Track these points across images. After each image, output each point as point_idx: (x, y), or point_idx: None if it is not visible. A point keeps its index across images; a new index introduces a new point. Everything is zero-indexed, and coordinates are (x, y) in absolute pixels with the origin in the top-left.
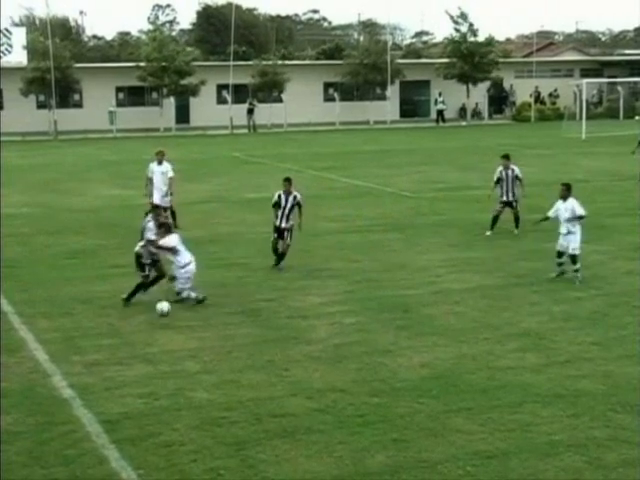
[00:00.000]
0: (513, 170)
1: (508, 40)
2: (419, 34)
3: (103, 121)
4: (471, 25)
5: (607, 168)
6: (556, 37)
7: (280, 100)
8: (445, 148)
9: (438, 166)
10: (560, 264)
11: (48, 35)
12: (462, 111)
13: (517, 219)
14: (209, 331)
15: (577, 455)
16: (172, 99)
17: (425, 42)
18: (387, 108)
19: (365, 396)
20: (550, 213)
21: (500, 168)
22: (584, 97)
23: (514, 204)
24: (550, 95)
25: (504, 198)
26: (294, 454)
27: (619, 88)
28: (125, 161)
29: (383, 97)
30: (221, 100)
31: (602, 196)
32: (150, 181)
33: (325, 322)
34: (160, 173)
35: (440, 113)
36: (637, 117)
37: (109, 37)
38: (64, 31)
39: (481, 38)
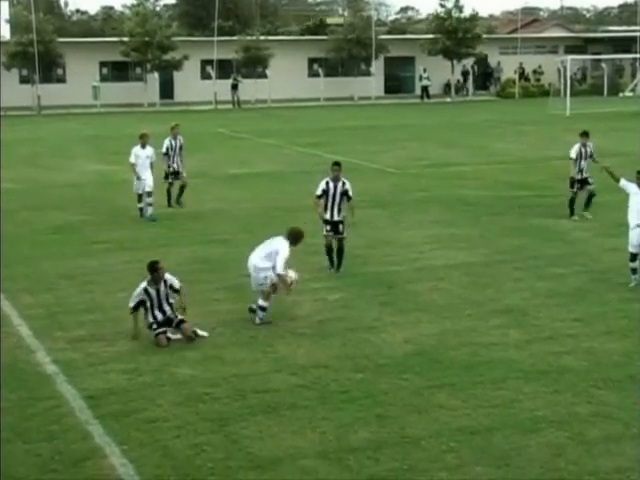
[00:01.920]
0: (590, 147)
1: (492, 16)
2: (404, 10)
3: (86, 96)
4: (457, 1)
5: None
6: (541, 14)
7: (264, 76)
8: (429, 124)
9: (422, 142)
10: (634, 270)
11: (31, 9)
12: (447, 87)
13: (591, 198)
14: (193, 307)
15: (560, 431)
16: (156, 74)
17: (410, 18)
18: (372, 84)
19: (349, 372)
20: (622, 183)
21: (578, 145)
22: (568, 74)
23: (590, 181)
24: (534, 72)
25: (579, 176)
26: (277, 430)
27: (603, 65)
28: (109, 136)
29: (367, 73)
30: (205, 75)
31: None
32: (134, 166)
33: (309, 298)
34: (145, 157)
35: (425, 89)
36: (621, 94)
37: (93, 12)
38: (47, 5)
39: (466, 14)
